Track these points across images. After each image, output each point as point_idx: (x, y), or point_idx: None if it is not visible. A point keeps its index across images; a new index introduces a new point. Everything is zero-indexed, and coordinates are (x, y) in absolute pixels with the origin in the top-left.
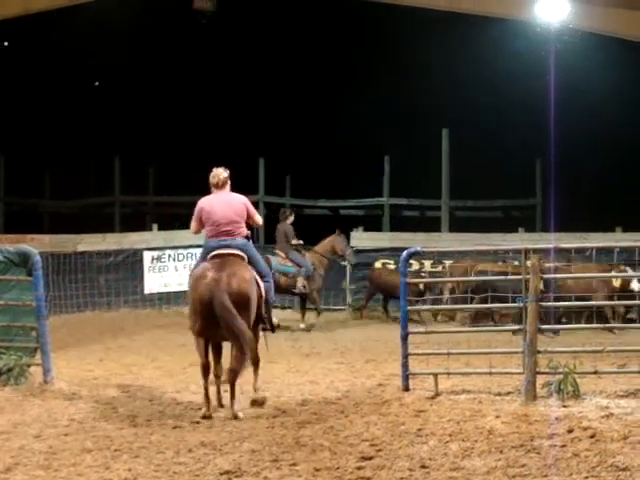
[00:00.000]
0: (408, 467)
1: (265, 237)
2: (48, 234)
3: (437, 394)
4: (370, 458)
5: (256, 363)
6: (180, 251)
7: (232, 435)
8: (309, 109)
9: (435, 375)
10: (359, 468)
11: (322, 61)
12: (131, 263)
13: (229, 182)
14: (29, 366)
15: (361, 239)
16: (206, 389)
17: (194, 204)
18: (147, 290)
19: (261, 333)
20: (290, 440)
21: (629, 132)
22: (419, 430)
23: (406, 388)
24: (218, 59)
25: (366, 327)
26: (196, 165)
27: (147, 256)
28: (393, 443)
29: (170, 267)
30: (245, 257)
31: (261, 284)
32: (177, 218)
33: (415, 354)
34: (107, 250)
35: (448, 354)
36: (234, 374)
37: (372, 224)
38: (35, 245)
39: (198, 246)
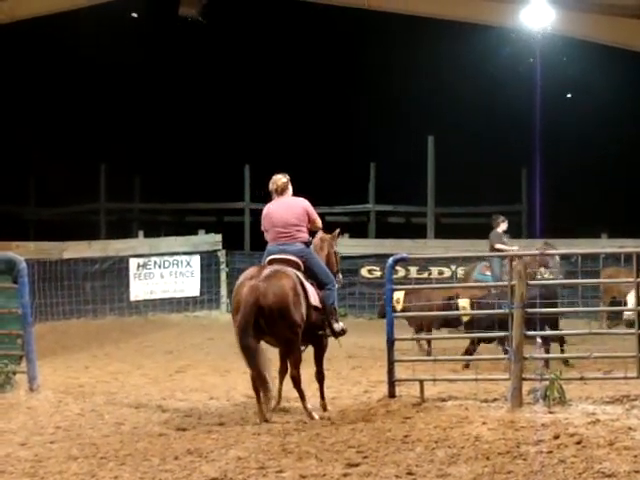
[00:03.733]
0: (394, 474)
1: (250, 244)
2: (33, 241)
3: (423, 401)
4: (356, 465)
5: (320, 380)
6: (166, 258)
7: (218, 442)
8: (294, 116)
9: (421, 382)
10: (345, 475)
11: (307, 68)
12: (117, 270)
13: (290, 187)
14: (15, 374)
15: (347, 245)
16: (258, 399)
17: (180, 211)
18: (133, 297)
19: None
20: (276, 447)
21: (615, 138)
22: (405, 437)
23: (392, 395)
24: (203, 67)
25: (352, 334)
26: (182, 172)
27: (133, 263)
28: (379, 450)
29: (156, 274)
30: (300, 263)
31: (312, 291)
32: (163, 225)
33: (401, 361)
34: (93, 257)
35: (434, 360)
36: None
37: (358, 231)
38: (20, 252)
39: (184, 253)
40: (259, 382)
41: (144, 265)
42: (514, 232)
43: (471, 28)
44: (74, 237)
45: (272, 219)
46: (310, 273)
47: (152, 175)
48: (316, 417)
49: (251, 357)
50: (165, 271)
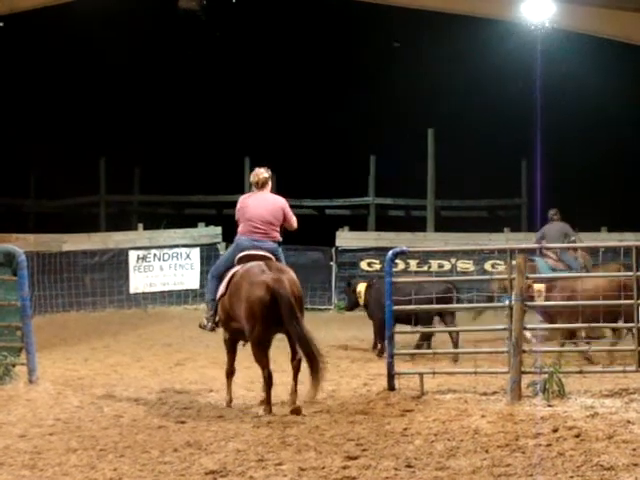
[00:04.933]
0: (394, 466)
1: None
2: (33, 234)
3: (423, 394)
4: (356, 458)
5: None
6: (165, 251)
7: (217, 435)
8: (295, 108)
9: (421, 375)
10: (344, 467)
11: (307, 60)
12: (116, 263)
13: (270, 183)
14: (14, 366)
15: (346, 239)
16: (269, 397)
17: (179, 204)
18: (132, 290)
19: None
20: (276, 440)
21: (615, 132)
22: (405, 430)
23: (392, 388)
24: (204, 59)
25: (351, 327)
26: (182, 165)
27: (132, 256)
28: (378, 442)
29: (155, 267)
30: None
31: None
32: (162, 217)
33: (401, 354)
34: (92, 250)
35: (434, 353)
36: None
37: (358, 224)
38: (20, 245)
39: (184, 246)
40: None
41: (144, 258)
42: (514, 225)
43: (471, 21)
44: (74, 229)
45: (248, 213)
46: None
47: (152, 167)
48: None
49: (310, 344)
50: (165, 264)
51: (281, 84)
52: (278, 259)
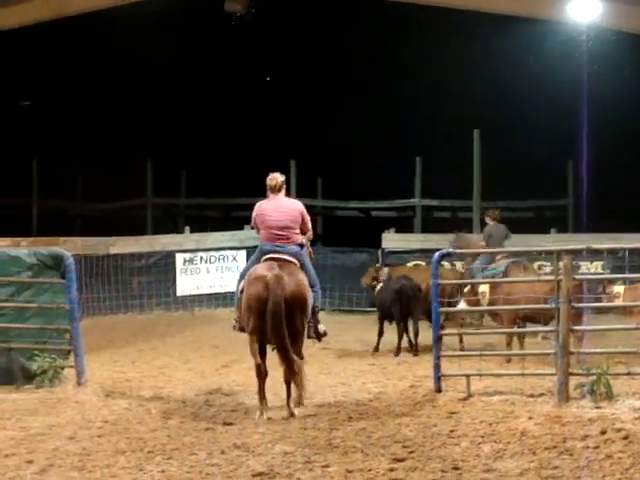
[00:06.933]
0: (440, 468)
1: None
2: (80, 237)
3: (469, 395)
4: (402, 460)
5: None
6: (212, 253)
7: (265, 437)
8: (341, 110)
9: (467, 376)
10: (391, 470)
11: (354, 60)
12: (163, 265)
13: (285, 187)
14: (63, 368)
15: (393, 240)
16: (261, 389)
17: (226, 206)
18: (179, 292)
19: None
20: (322, 442)
21: None
22: (451, 432)
23: (438, 390)
24: (251, 61)
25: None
26: (228, 168)
27: (179, 258)
28: (425, 444)
29: (202, 269)
30: (297, 264)
31: (310, 292)
32: (209, 220)
33: (448, 356)
34: (140, 252)
35: (480, 355)
36: (291, 376)
37: (404, 225)
38: (68, 248)
39: (230, 248)
40: (295, 374)
41: (190, 260)
42: (561, 226)
43: (518, 21)
44: (121, 232)
45: (268, 220)
46: None
47: (198, 170)
48: (296, 413)
49: (287, 349)
50: (211, 266)
51: (328, 86)
52: (301, 262)
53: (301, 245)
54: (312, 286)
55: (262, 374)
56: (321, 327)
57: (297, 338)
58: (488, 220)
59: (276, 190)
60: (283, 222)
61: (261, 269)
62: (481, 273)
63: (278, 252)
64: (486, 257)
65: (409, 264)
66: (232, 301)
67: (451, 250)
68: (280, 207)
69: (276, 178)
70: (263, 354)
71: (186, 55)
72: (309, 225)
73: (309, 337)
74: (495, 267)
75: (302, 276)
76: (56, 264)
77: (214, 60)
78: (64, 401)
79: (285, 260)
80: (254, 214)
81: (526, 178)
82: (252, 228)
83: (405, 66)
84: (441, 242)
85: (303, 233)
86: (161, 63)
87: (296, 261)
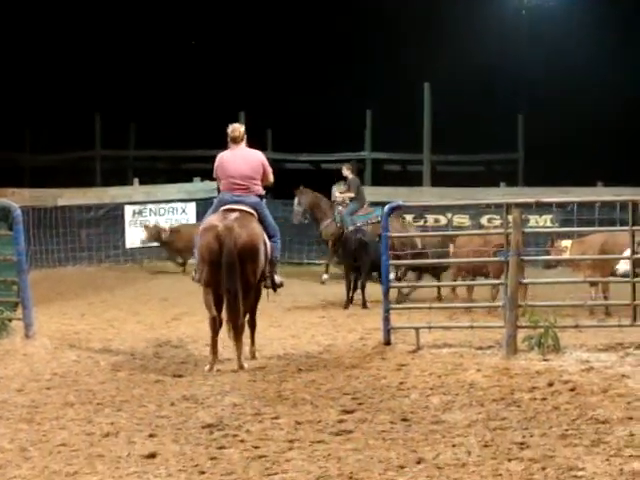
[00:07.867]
0: (389, 420)
1: None
2: (28, 188)
3: (418, 348)
4: (352, 411)
5: (252, 326)
6: (162, 205)
7: (214, 389)
8: (291, 62)
9: (417, 329)
10: (340, 421)
11: (304, 15)
12: (112, 218)
13: (245, 137)
14: (10, 320)
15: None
16: (214, 342)
17: (175, 158)
18: (128, 244)
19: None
20: (272, 394)
21: (612, 87)
22: (400, 384)
23: (388, 342)
24: (200, 14)
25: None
26: (177, 120)
27: (128, 210)
28: (374, 397)
29: (151, 221)
30: (255, 215)
31: (268, 243)
32: (158, 172)
33: (397, 308)
34: (88, 204)
35: (429, 308)
36: (238, 326)
37: None
38: (16, 199)
39: (180, 200)
40: (240, 328)
41: (140, 212)
42: (511, 180)
43: None
44: (69, 184)
45: (228, 169)
46: (261, 224)
47: (148, 122)
48: (246, 366)
49: (237, 302)
50: (161, 218)
51: (277, 38)
52: (260, 213)
53: (260, 196)
54: (271, 237)
55: (216, 327)
56: (277, 278)
57: (248, 289)
58: (348, 173)
59: (238, 141)
60: (244, 172)
61: (214, 219)
62: (349, 217)
63: (237, 202)
64: (355, 204)
65: None
66: None
67: (401, 203)
68: (242, 157)
69: (237, 129)
70: (219, 306)
71: (135, 8)
72: (271, 176)
73: (265, 287)
74: (364, 214)
75: (255, 226)
76: (4, 215)
77: (162, 12)
78: (12, 353)
79: (242, 211)
80: (216, 164)
81: (476, 132)
82: (214, 179)
83: (355, 20)
84: (391, 195)
85: (264, 185)
86: (109, 16)
87: (254, 212)
